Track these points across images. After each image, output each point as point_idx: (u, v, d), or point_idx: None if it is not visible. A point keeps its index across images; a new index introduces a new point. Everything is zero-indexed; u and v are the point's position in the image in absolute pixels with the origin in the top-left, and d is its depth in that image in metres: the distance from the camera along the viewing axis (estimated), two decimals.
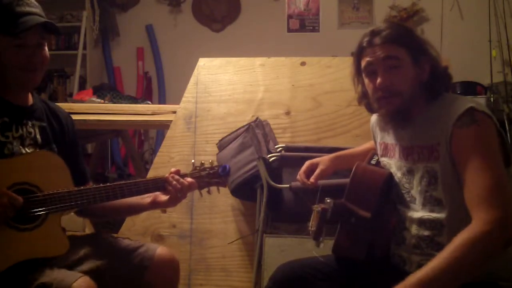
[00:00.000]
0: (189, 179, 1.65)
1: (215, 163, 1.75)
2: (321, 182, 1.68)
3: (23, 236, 1.43)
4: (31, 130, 1.57)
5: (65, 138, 1.68)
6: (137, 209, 1.73)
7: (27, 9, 1.51)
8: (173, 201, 1.64)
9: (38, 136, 1.58)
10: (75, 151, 1.71)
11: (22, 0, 1.51)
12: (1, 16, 1.47)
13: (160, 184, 1.63)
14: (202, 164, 1.73)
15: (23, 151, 1.53)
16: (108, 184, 1.58)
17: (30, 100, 1.62)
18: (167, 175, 1.65)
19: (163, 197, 1.65)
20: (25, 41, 1.49)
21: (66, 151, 1.65)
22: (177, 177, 1.64)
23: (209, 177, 1.71)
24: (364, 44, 1.48)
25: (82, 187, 1.55)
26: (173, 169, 1.67)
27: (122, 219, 2.56)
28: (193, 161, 1.76)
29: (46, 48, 1.57)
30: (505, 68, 4.30)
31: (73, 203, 1.51)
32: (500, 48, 4.18)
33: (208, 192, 1.74)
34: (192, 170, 1.72)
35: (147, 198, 1.67)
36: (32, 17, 1.49)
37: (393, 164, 1.55)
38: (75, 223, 2.50)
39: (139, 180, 1.63)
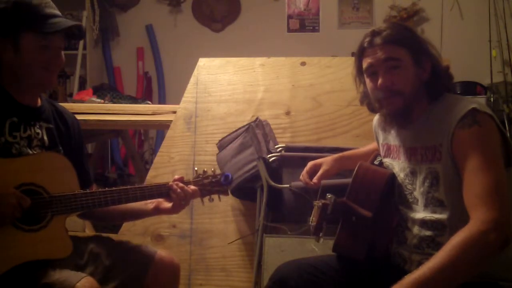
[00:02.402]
0: (192, 187, 1.67)
1: (217, 170, 1.76)
2: (323, 182, 1.69)
3: (28, 237, 1.44)
4: (39, 131, 1.58)
5: (71, 140, 1.69)
6: (139, 214, 1.74)
7: (54, 11, 1.54)
8: (176, 209, 1.65)
9: (45, 138, 1.59)
10: (80, 153, 1.72)
11: (48, 2, 1.54)
12: (32, 16, 1.49)
13: (164, 191, 1.64)
14: (204, 172, 1.74)
15: (30, 152, 1.53)
16: (113, 188, 1.59)
17: (39, 101, 1.63)
18: (171, 182, 1.65)
19: (166, 204, 1.66)
20: (52, 42, 1.52)
21: (72, 153, 1.65)
22: (181, 184, 1.64)
23: (211, 185, 1.72)
24: (365, 45, 1.48)
25: (88, 190, 1.56)
26: (176, 176, 1.68)
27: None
28: (196, 168, 1.77)
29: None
30: (505, 68, 4.29)
31: (78, 206, 1.52)
32: (500, 48, 4.18)
33: (210, 200, 1.74)
34: (194, 177, 1.72)
35: (150, 204, 1.68)
36: (61, 19, 1.53)
37: (395, 165, 1.55)
38: (76, 223, 2.50)
39: (143, 186, 1.64)
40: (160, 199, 1.67)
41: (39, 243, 1.45)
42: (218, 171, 1.78)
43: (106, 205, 1.57)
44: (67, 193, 1.50)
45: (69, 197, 1.50)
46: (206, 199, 1.73)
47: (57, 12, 1.55)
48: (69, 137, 1.68)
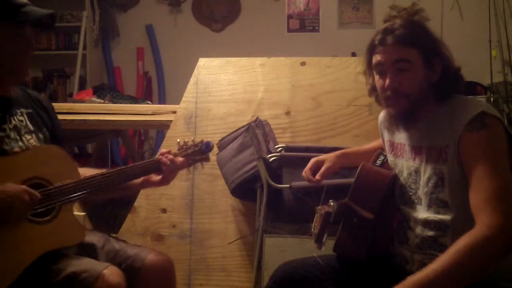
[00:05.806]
0: (180, 159, 1.75)
1: (197, 141, 1.83)
2: (325, 182, 1.68)
3: (43, 229, 1.47)
4: (21, 118, 1.60)
5: (52, 121, 1.71)
6: (129, 188, 1.78)
7: (25, 1, 1.55)
8: (165, 180, 1.72)
9: (28, 123, 1.61)
10: (59, 134, 1.74)
11: None
12: (3, 4, 1.49)
13: (157, 166, 1.71)
14: (185, 142, 1.81)
15: (20, 143, 1.54)
16: (111, 170, 1.63)
17: (13, 90, 1.65)
18: (159, 156, 1.72)
19: (156, 177, 1.73)
20: (25, 31, 1.53)
21: (54, 134, 1.69)
22: (170, 157, 1.72)
23: (194, 154, 1.81)
24: (376, 42, 1.46)
25: (88, 176, 1.59)
26: (163, 150, 1.75)
27: (122, 217, 2.58)
28: (178, 140, 1.83)
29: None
30: (505, 68, 4.29)
31: (84, 191, 1.56)
32: (500, 48, 4.18)
33: (193, 168, 1.83)
34: (178, 149, 1.80)
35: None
36: (33, 8, 1.53)
37: (399, 163, 1.54)
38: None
39: (137, 163, 1.70)
40: None
41: (55, 232, 1.49)
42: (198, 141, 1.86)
43: (107, 187, 1.61)
44: (71, 181, 1.53)
45: (73, 185, 1.54)
46: (191, 169, 1.83)
47: (28, 2, 1.56)
48: (50, 119, 1.71)
